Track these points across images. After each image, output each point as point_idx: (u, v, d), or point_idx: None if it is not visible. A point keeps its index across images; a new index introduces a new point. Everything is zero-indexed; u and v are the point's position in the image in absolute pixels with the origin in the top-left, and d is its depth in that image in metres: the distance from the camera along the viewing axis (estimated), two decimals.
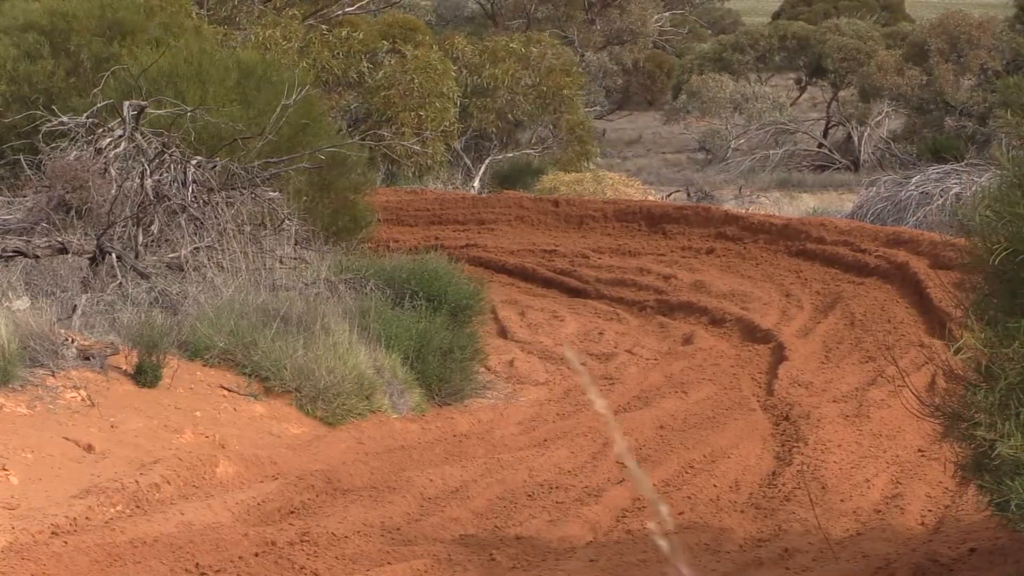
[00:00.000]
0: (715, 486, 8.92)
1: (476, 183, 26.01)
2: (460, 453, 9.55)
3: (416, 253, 13.29)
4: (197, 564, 6.78)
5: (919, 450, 9.44)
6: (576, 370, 7.73)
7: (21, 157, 12.31)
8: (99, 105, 12.27)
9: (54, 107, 12.66)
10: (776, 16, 48.15)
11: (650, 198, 23.16)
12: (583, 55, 38.43)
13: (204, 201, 11.84)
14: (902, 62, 34.71)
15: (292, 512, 7.90)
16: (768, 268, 15.88)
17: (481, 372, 11.86)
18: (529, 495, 8.55)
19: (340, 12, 26.79)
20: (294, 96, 12.69)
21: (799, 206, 28.55)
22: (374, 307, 10.86)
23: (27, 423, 8.26)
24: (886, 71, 34.44)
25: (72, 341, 9.26)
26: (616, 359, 12.84)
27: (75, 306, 10.06)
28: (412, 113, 23.98)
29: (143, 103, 12.02)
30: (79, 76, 14.10)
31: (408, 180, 23.96)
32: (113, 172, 11.70)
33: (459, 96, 25.53)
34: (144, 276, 10.93)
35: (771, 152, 36.79)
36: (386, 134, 22.52)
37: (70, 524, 7.10)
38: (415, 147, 22.97)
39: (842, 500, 8.45)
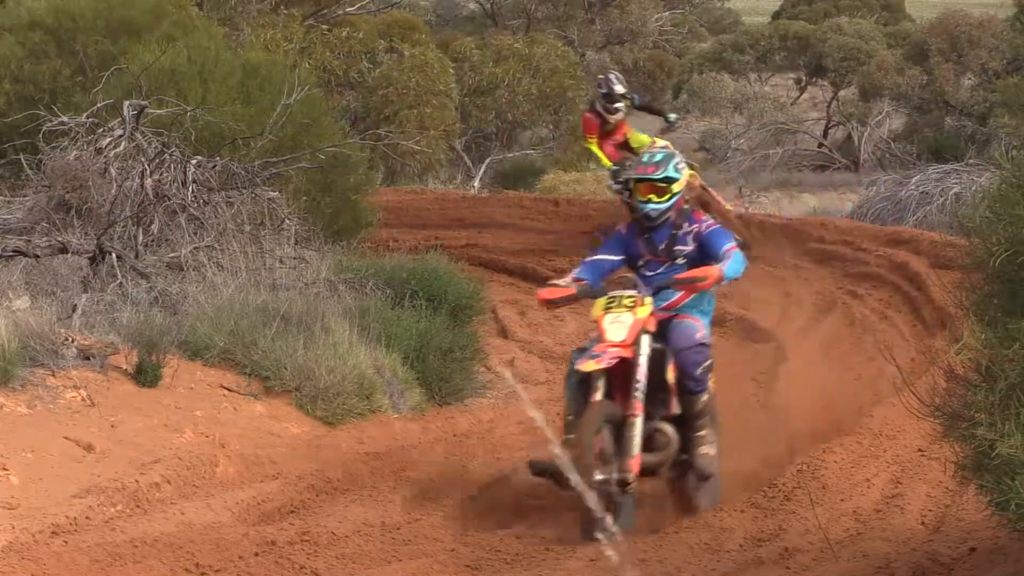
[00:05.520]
0: None
1: (476, 183, 26.00)
2: (460, 453, 9.55)
3: (416, 253, 13.28)
4: (197, 564, 6.78)
5: (919, 450, 9.43)
6: (514, 388, 7.55)
7: (22, 157, 12.31)
8: (99, 104, 12.27)
9: (54, 106, 12.66)
10: (776, 16, 48.13)
11: None
12: (583, 55, 38.43)
13: (204, 201, 11.84)
14: (902, 62, 34.69)
15: (292, 512, 7.90)
16: (768, 268, 15.86)
17: (481, 372, 11.86)
18: (529, 495, 8.55)
19: (341, 12, 26.79)
20: (295, 96, 12.68)
21: (799, 206, 28.54)
22: (374, 307, 10.86)
23: (27, 423, 8.26)
24: (886, 71, 34.43)
25: (72, 341, 9.26)
26: None
27: (75, 306, 10.06)
28: (413, 111, 23.98)
29: (143, 103, 12.02)
30: (85, 75, 14.10)
31: (409, 179, 23.96)
32: (113, 172, 11.70)
33: (459, 95, 25.51)
34: (144, 276, 10.93)
35: (771, 152, 36.77)
36: (384, 132, 22.50)
37: (70, 524, 7.10)
38: (415, 146, 22.96)
39: (842, 500, 8.45)
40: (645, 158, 8.54)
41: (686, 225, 8.44)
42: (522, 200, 19.38)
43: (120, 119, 12.02)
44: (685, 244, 8.38)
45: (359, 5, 27.42)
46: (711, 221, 8.52)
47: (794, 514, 8.11)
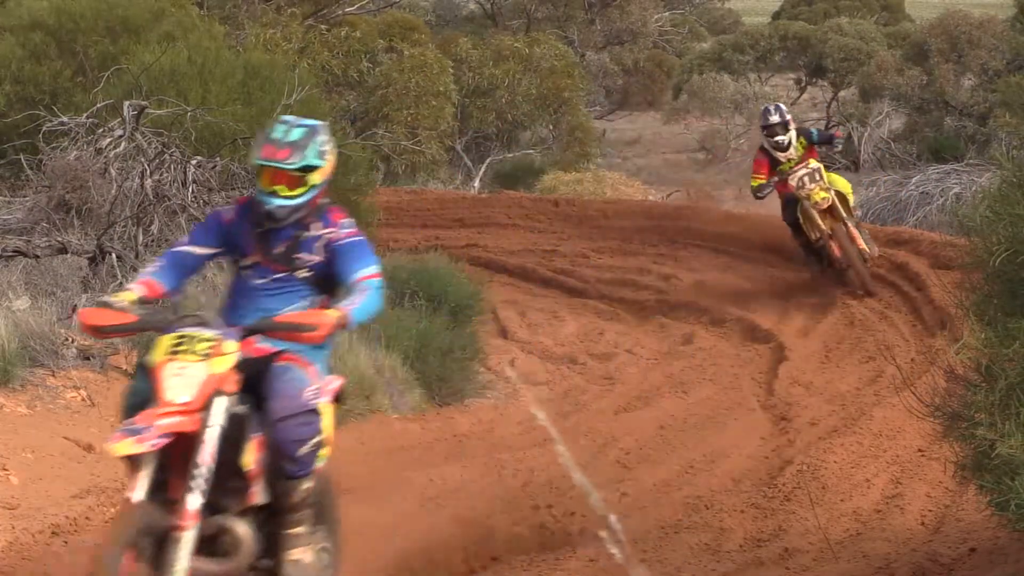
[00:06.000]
0: (715, 486, 8.91)
1: (476, 183, 26.01)
2: (460, 453, 9.55)
3: (416, 253, 13.28)
4: None
5: (919, 450, 9.44)
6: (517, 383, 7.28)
7: (22, 157, 12.32)
8: (99, 105, 12.28)
9: (55, 107, 12.66)
10: (776, 16, 48.17)
11: (650, 198, 23.16)
12: (583, 55, 38.45)
13: (204, 201, 11.85)
14: (902, 62, 34.72)
15: None
16: (768, 268, 15.86)
17: (481, 372, 11.86)
18: (529, 495, 8.55)
19: (340, 12, 26.80)
20: (295, 96, 12.69)
21: None
22: None
23: (27, 423, 8.26)
24: (886, 71, 34.44)
25: (72, 341, 9.26)
26: (616, 359, 12.84)
27: (75, 306, 10.06)
28: (406, 111, 23.98)
29: (143, 103, 12.03)
30: (85, 76, 14.10)
31: (401, 177, 23.96)
32: (113, 172, 11.71)
33: (458, 96, 25.52)
34: None
35: None
36: (379, 132, 22.52)
37: (70, 524, 7.10)
38: (414, 147, 22.97)
39: (842, 500, 8.45)
40: (278, 133, 6.09)
41: (317, 226, 6.15)
42: (522, 200, 19.39)
43: (120, 119, 12.03)
44: (310, 251, 6.04)
45: (359, 5, 27.44)
46: (352, 229, 6.21)
47: (794, 514, 8.12)
